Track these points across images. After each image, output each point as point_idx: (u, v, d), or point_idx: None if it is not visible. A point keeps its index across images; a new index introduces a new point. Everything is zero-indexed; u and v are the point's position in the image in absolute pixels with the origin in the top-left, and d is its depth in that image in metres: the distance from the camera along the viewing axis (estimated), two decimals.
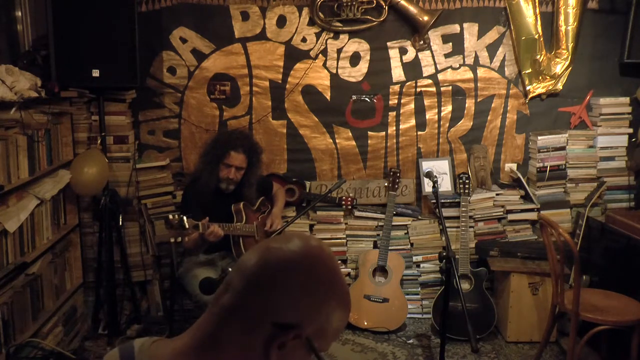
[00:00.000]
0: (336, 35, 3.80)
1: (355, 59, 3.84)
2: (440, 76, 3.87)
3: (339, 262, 3.82)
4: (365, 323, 3.59)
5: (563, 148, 3.85)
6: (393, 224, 3.75)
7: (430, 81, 3.88)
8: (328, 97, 3.88)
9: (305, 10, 3.76)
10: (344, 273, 3.81)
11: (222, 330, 0.88)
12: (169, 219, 2.79)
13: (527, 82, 3.86)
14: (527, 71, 3.83)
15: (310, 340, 0.88)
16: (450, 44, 3.84)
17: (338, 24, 3.75)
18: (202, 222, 2.89)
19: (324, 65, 3.84)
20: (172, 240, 2.83)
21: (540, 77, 3.83)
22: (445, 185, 3.89)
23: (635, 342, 2.82)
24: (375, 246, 3.85)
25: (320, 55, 3.82)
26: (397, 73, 3.86)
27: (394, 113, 3.92)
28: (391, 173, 3.79)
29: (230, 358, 0.88)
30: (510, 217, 3.83)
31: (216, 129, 3.84)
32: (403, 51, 3.84)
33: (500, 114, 3.93)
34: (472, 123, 3.94)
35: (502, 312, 3.55)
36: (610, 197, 3.87)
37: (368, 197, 3.94)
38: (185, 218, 2.80)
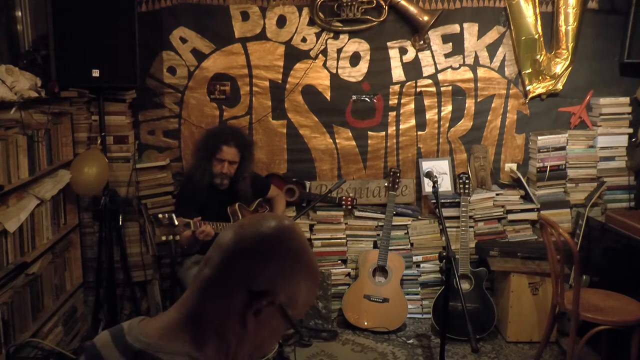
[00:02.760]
0: (336, 35, 3.80)
1: (355, 59, 3.84)
2: (440, 76, 3.87)
3: (339, 261, 3.84)
4: (365, 323, 3.60)
5: (563, 148, 3.86)
6: (393, 224, 3.75)
7: (430, 81, 3.88)
8: (328, 97, 3.88)
9: (305, 10, 3.76)
10: (344, 273, 3.82)
11: (204, 302, 0.95)
12: (158, 217, 2.78)
13: (527, 82, 3.86)
14: (527, 71, 3.83)
15: (283, 307, 0.95)
16: (450, 44, 3.84)
17: (338, 24, 3.76)
18: (193, 221, 2.88)
19: (324, 65, 3.84)
20: (164, 238, 2.81)
21: (540, 77, 3.83)
22: (445, 185, 3.89)
23: (635, 342, 2.82)
24: (375, 246, 3.85)
25: (320, 55, 3.82)
26: (397, 73, 3.86)
27: (394, 113, 3.92)
28: (391, 173, 3.79)
29: (213, 328, 0.95)
30: (510, 217, 3.84)
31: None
32: (403, 51, 3.84)
33: (500, 114, 3.94)
34: (472, 123, 3.94)
35: (502, 312, 3.55)
36: (610, 197, 3.88)
37: (368, 197, 3.94)
38: (174, 216, 2.78)
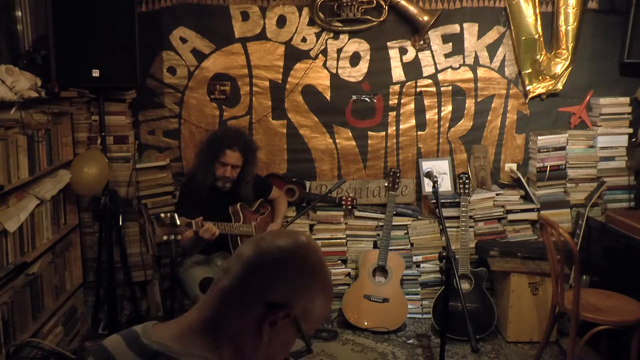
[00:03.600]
0: (336, 35, 3.80)
1: (355, 59, 3.84)
2: (440, 76, 3.87)
3: (339, 261, 3.84)
4: (365, 323, 3.60)
5: (563, 148, 3.86)
6: (393, 224, 3.75)
7: (430, 81, 3.88)
8: (328, 97, 3.88)
9: (305, 10, 3.76)
10: (344, 273, 3.82)
11: (221, 311, 0.98)
12: (160, 216, 2.77)
13: (527, 82, 3.86)
14: (527, 71, 3.83)
15: (297, 320, 0.98)
16: (450, 44, 3.84)
17: (338, 24, 3.76)
18: (195, 221, 2.87)
19: (324, 65, 3.84)
20: (165, 238, 2.81)
21: (540, 77, 3.83)
22: (445, 185, 3.89)
23: (635, 342, 2.82)
24: (375, 246, 3.85)
25: (320, 55, 3.82)
26: (397, 73, 3.86)
27: (394, 113, 3.92)
28: (391, 173, 3.79)
29: (229, 336, 0.97)
30: (510, 217, 3.83)
31: (215, 129, 3.83)
32: (403, 51, 3.84)
33: (500, 114, 3.94)
34: (472, 123, 3.94)
35: (502, 312, 3.55)
36: (610, 197, 3.87)
37: (368, 197, 3.94)
38: (176, 215, 2.78)
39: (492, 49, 3.86)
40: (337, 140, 3.93)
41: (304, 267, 1.00)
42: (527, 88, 3.87)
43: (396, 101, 3.90)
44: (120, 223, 3.51)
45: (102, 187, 3.37)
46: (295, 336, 1.01)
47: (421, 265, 3.87)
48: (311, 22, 3.77)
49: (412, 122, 3.93)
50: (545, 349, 3.25)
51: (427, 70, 3.86)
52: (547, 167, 3.84)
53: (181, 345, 0.96)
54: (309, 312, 1.00)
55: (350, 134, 3.93)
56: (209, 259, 3.27)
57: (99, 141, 3.46)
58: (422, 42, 3.80)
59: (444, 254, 2.86)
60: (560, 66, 3.77)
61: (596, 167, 3.88)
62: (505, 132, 3.96)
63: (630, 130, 3.87)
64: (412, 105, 3.91)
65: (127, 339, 1.01)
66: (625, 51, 3.72)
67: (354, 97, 3.89)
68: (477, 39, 3.84)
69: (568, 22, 3.70)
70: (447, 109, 3.92)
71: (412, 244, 3.86)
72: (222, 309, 0.97)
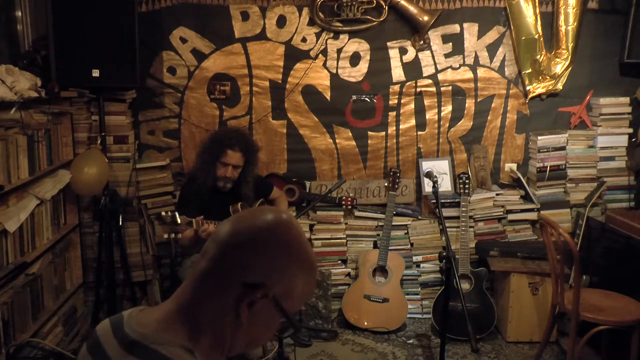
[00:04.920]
0: (336, 35, 3.80)
1: (355, 59, 3.84)
2: (440, 76, 3.87)
3: (339, 261, 3.84)
4: (365, 323, 3.60)
5: (563, 148, 3.86)
6: (393, 224, 3.75)
7: (430, 81, 3.88)
8: (328, 97, 3.88)
9: (305, 10, 3.76)
10: (344, 273, 3.82)
11: (200, 294, 0.97)
12: (161, 215, 2.79)
13: (527, 82, 3.86)
14: (527, 71, 3.83)
15: (277, 300, 0.96)
16: (450, 44, 3.84)
17: (338, 24, 3.76)
18: (196, 220, 2.88)
19: (324, 65, 3.84)
20: (166, 236, 2.82)
21: (540, 77, 3.83)
22: (445, 185, 3.89)
23: (635, 342, 2.82)
24: (375, 246, 3.85)
25: (320, 55, 3.82)
26: (397, 73, 3.86)
27: (394, 113, 3.92)
28: (391, 173, 3.79)
29: (208, 320, 0.96)
30: (510, 217, 3.83)
31: (216, 129, 3.83)
32: (403, 51, 3.84)
33: (500, 114, 3.94)
34: (472, 123, 3.94)
35: (502, 312, 3.55)
36: (610, 197, 3.88)
37: (368, 197, 3.94)
38: (177, 214, 2.80)
39: (492, 49, 3.86)
40: (337, 140, 3.93)
41: (281, 246, 0.97)
42: (527, 88, 3.87)
43: (396, 101, 3.90)
44: (120, 223, 3.50)
45: (102, 187, 3.37)
46: (277, 316, 0.99)
47: (421, 265, 3.87)
48: (311, 22, 3.77)
49: (412, 122, 3.93)
50: (545, 349, 3.25)
51: (427, 70, 3.87)
52: (547, 167, 3.84)
53: (161, 332, 0.95)
54: (290, 291, 0.98)
55: (350, 134, 3.93)
56: None
57: (99, 141, 3.46)
58: (422, 42, 3.80)
59: (444, 254, 2.86)
60: (560, 66, 3.77)
61: (596, 167, 3.88)
62: (505, 132, 3.96)
63: (630, 130, 3.87)
64: (412, 105, 3.91)
65: (113, 325, 1.02)
66: (625, 51, 3.73)
67: (354, 97, 3.89)
68: (477, 39, 3.84)
69: (568, 22, 3.70)
70: (447, 109, 3.92)
71: (412, 244, 3.87)
72: (200, 293, 0.96)
